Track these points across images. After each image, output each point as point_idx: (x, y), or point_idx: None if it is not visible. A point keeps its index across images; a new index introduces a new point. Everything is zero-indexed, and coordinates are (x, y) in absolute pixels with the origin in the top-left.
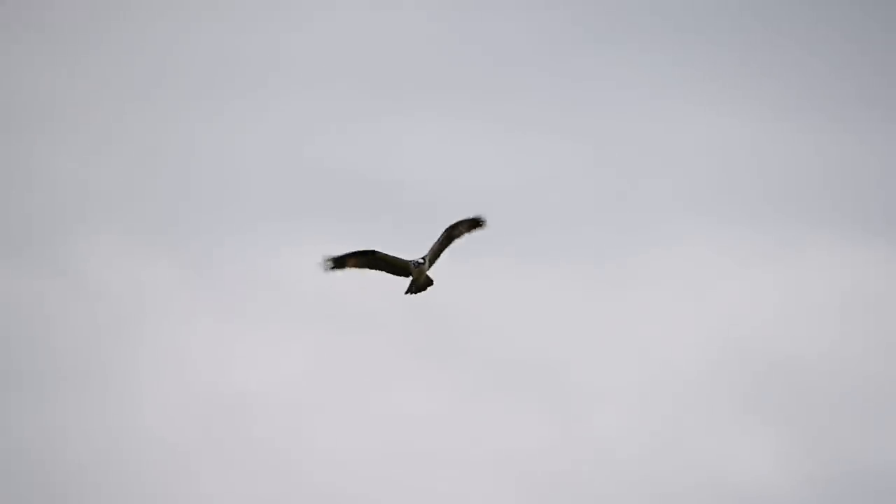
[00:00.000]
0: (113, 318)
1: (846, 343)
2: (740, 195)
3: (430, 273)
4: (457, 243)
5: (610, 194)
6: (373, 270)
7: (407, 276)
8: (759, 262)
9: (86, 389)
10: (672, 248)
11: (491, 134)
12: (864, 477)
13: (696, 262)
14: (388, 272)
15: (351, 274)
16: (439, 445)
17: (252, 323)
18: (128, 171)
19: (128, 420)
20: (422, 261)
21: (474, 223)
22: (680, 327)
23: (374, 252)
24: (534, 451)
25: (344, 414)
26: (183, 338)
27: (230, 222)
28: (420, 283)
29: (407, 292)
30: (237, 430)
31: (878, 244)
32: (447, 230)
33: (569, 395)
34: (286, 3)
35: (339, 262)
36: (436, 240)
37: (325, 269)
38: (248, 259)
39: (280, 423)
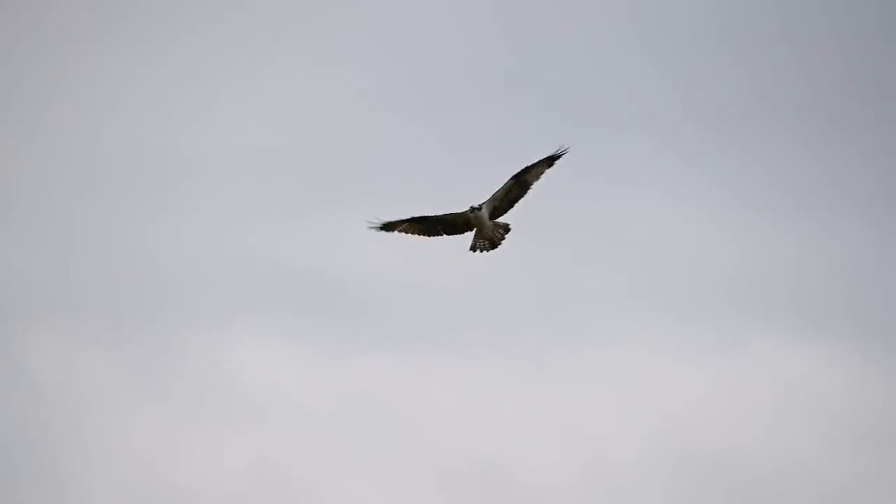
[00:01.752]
0: (55, 412)
1: (785, 438)
2: (682, 290)
3: (504, 220)
4: (537, 185)
5: (552, 289)
6: (429, 236)
7: (471, 229)
8: (700, 358)
9: (27, 485)
10: (614, 344)
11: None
12: None
13: (637, 358)
14: (447, 233)
15: (404, 237)
16: None
17: (195, 418)
18: (68, 263)
19: None
20: (478, 206)
21: (550, 161)
22: (621, 424)
23: (424, 218)
24: None
25: None
26: (126, 433)
27: (174, 316)
28: (488, 234)
29: (474, 248)
30: None
31: (820, 341)
32: (516, 176)
33: (511, 493)
34: (229, 94)
35: (389, 226)
36: (500, 187)
37: (372, 228)
38: (192, 354)
39: None
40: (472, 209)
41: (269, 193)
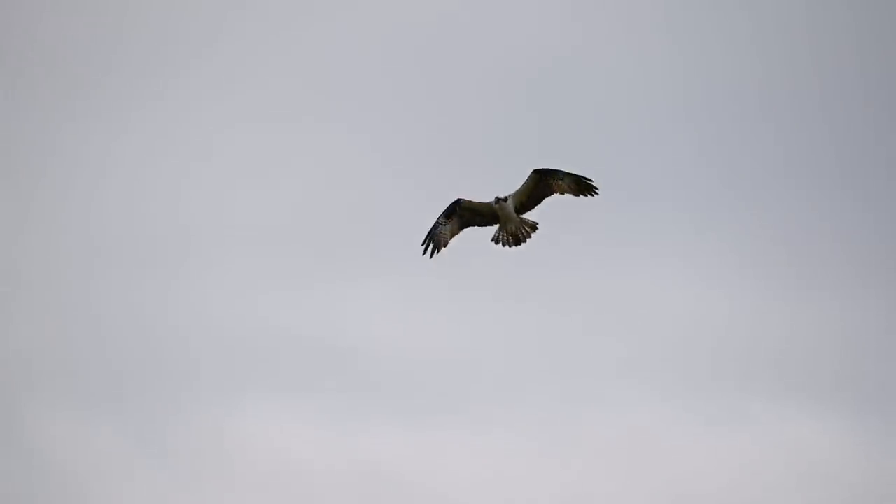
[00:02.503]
0: (59, 483)
1: None
2: (688, 360)
3: (530, 216)
4: (557, 198)
5: (558, 358)
6: (465, 228)
7: (497, 221)
8: (705, 428)
9: None
10: (620, 413)
11: (439, 300)
12: None
13: (643, 427)
14: (478, 224)
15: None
16: None
17: (202, 488)
18: (73, 334)
19: None
20: (503, 197)
21: (577, 184)
22: (626, 492)
23: (458, 202)
24: None
25: None
26: None
27: (181, 385)
28: (513, 229)
29: (496, 241)
30: None
31: (825, 413)
32: (539, 171)
33: None
34: (237, 163)
35: (436, 241)
36: (525, 181)
37: (425, 252)
38: (199, 423)
39: None
40: (497, 200)
41: (277, 262)
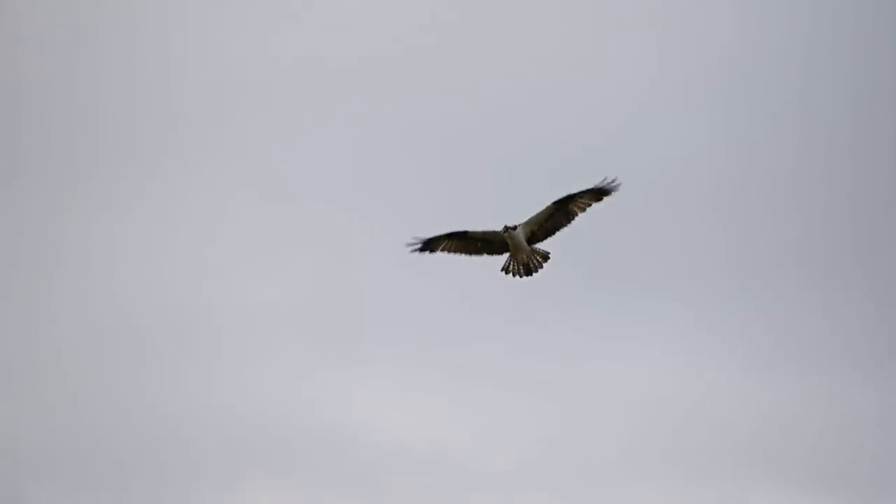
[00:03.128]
0: None
1: None
2: (685, 448)
3: (543, 246)
4: (581, 218)
5: (555, 450)
6: (465, 254)
7: (507, 250)
8: None
9: None
10: (618, 503)
11: (440, 384)
12: None
13: None
14: (485, 252)
15: (443, 256)
16: None
17: None
18: (72, 421)
19: None
20: (512, 226)
21: (598, 194)
22: None
23: (465, 233)
24: None
25: None
26: None
27: (181, 475)
28: (524, 259)
29: (506, 270)
30: None
31: (823, 499)
32: (558, 202)
33: None
34: (235, 249)
35: (429, 245)
36: (540, 211)
37: (414, 251)
38: None
39: None
40: (506, 228)
41: (278, 351)
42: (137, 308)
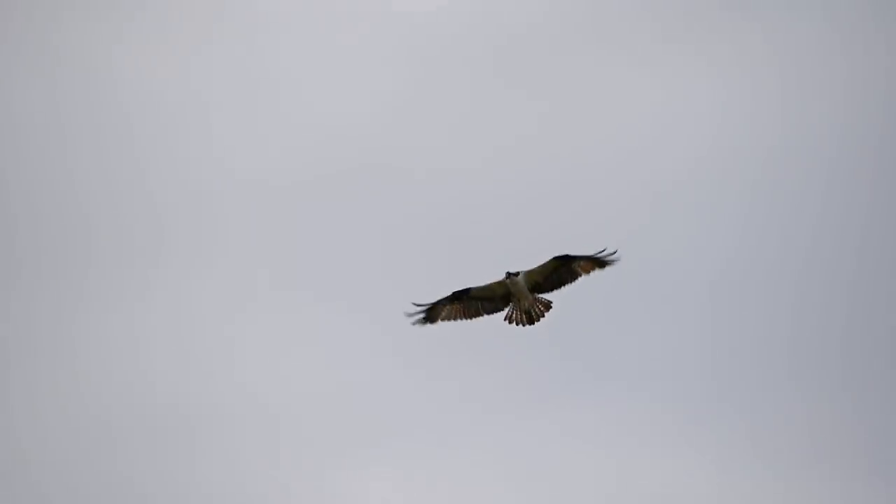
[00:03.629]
0: None
1: None
2: None
3: (547, 297)
4: (584, 280)
5: None
6: (467, 318)
7: (508, 303)
8: None
9: None
10: None
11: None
12: None
13: None
14: (487, 311)
15: (446, 324)
16: None
17: None
18: None
19: None
20: (514, 273)
21: (598, 263)
22: None
23: (468, 290)
24: None
25: None
26: None
27: None
28: (526, 307)
29: (509, 320)
30: None
31: None
32: (559, 258)
33: None
34: (228, 341)
35: (431, 315)
36: (542, 263)
37: (416, 324)
38: None
39: None
40: (509, 274)
41: (278, 453)
42: (136, 402)
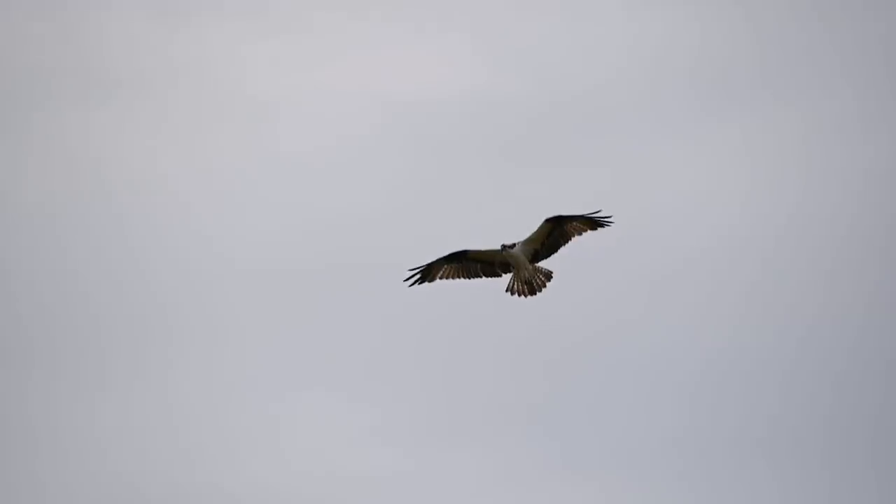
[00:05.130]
0: None
1: None
2: None
3: (545, 265)
4: (577, 240)
5: None
6: (465, 278)
7: (508, 271)
8: None
9: None
10: None
11: None
12: None
13: None
14: (486, 274)
15: (441, 284)
16: None
17: None
18: None
19: None
20: (509, 245)
21: (592, 223)
22: None
23: (465, 252)
24: None
25: None
26: None
27: None
28: (527, 277)
29: (510, 291)
30: None
31: None
32: (552, 220)
33: None
34: (233, 434)
35: (426, 273)
36: (536, 229)
37: (413, 284)
38: None
39: None
40: (504, 247)
41: None
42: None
